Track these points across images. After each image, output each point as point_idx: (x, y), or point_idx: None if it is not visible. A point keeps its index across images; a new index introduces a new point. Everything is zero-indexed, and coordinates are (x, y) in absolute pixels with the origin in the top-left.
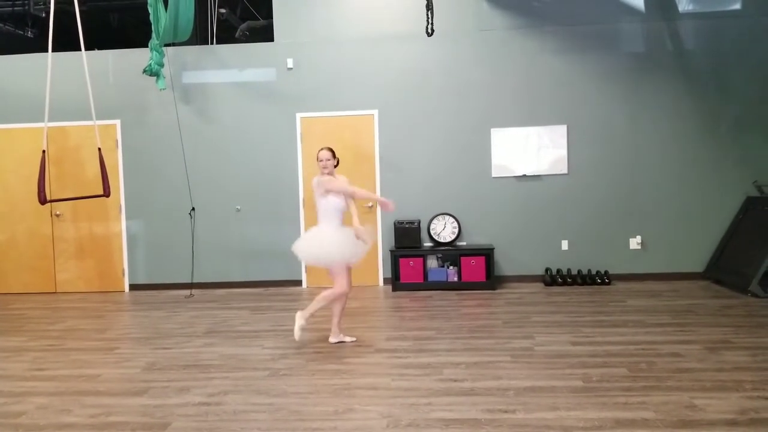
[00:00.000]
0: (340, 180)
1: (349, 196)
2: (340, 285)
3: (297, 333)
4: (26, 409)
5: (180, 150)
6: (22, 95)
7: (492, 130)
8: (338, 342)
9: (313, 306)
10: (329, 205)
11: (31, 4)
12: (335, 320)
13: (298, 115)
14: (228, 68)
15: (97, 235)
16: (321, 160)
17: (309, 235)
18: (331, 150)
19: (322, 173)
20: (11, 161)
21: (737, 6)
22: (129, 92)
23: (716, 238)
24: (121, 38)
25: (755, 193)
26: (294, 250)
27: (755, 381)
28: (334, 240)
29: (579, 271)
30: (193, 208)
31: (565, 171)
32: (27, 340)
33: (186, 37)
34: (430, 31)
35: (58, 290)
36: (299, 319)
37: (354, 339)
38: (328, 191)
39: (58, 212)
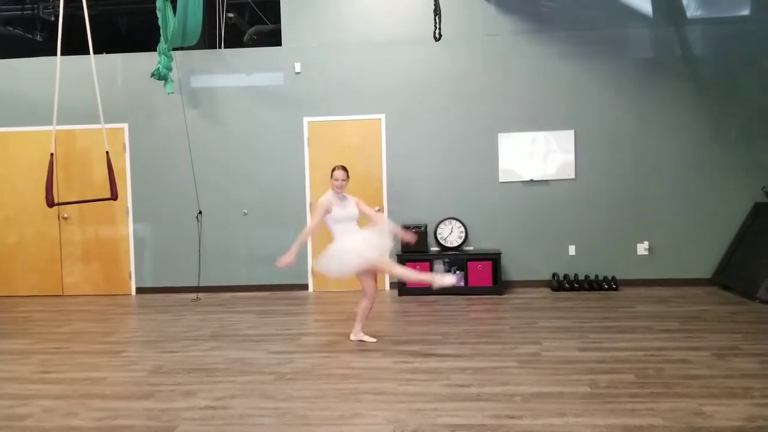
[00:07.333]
0: (338, 204)
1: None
2: (363, 289)
3: (367, 338)
4: (32, 411)
5: (187, 154)
6: (31, 99)
7: (499, 134)
8: (358, 340)
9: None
10: (330, 221)
11: (41, 8)
12: (357, 319)
13: (306, 120)
14: (236, 72)
15: (104, 238)
16: (337, 180)
17: (327, 253)
18: (346, 170)
19: (335, 191)
20: (20, 164)
21: (746, 12)
22: (137, 96)
23: (724, 244)
24: (130, 42)
25: (764, 200)
26: (320, 269)
27: (764, 388)
28: (340, 249)
29: (586, 277)
30: (200, 212)
31: (572, 176)
32: (33, 342)
33: (194, 42)
34: (437, 35)
35: (65, 293)
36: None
37: (374, 340)
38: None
39: (65, 215)
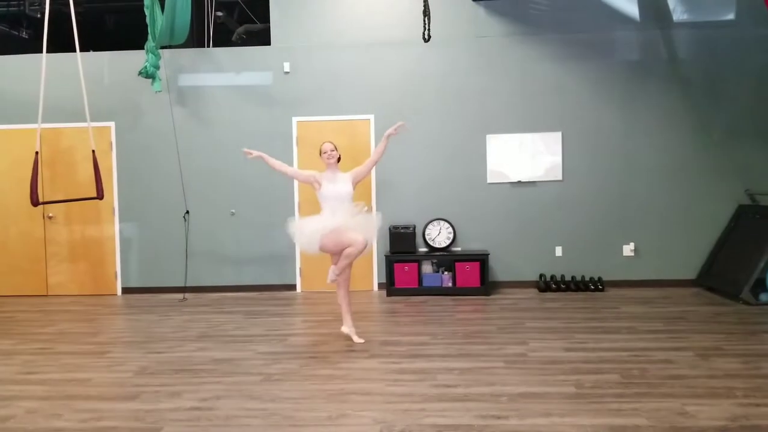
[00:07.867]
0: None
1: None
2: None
3: (355, 338)
4: (15, 413)
5: (175, 153)
6: (16, 96)
7: (487, 136)
8: (346, 333)
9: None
10: (320, 196)
11: (27, 4)
12: (343, 310)
13: (295, 119)
14: (224, 71)
15: (90, 237)
16: (326, 152)
17: (298, 225)
18: (333, 143)
19: (328, 164)
20: (4, 163)
21: (731, 16)
22: (124, 94)
23: (708, 246)
24: (117, 40)
25: (747, 201)
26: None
27: (746, 388)
28: (311, 226)
29: (573, 278)
30: (188, 212)
31: (559, 177)
32: (17, 343)
33: (182, 40)
34: (426, 37)
35: (49, 293)
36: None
37: (361, 341)
38: (310, 183)
39: (50, 214)
